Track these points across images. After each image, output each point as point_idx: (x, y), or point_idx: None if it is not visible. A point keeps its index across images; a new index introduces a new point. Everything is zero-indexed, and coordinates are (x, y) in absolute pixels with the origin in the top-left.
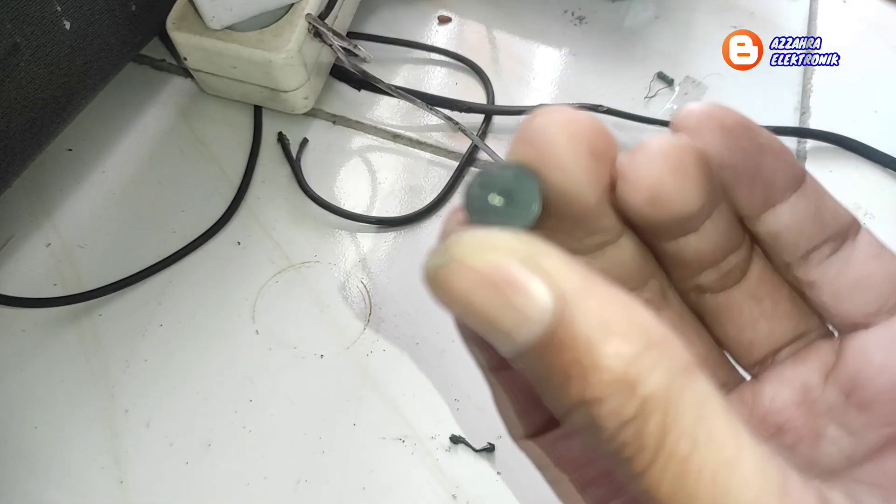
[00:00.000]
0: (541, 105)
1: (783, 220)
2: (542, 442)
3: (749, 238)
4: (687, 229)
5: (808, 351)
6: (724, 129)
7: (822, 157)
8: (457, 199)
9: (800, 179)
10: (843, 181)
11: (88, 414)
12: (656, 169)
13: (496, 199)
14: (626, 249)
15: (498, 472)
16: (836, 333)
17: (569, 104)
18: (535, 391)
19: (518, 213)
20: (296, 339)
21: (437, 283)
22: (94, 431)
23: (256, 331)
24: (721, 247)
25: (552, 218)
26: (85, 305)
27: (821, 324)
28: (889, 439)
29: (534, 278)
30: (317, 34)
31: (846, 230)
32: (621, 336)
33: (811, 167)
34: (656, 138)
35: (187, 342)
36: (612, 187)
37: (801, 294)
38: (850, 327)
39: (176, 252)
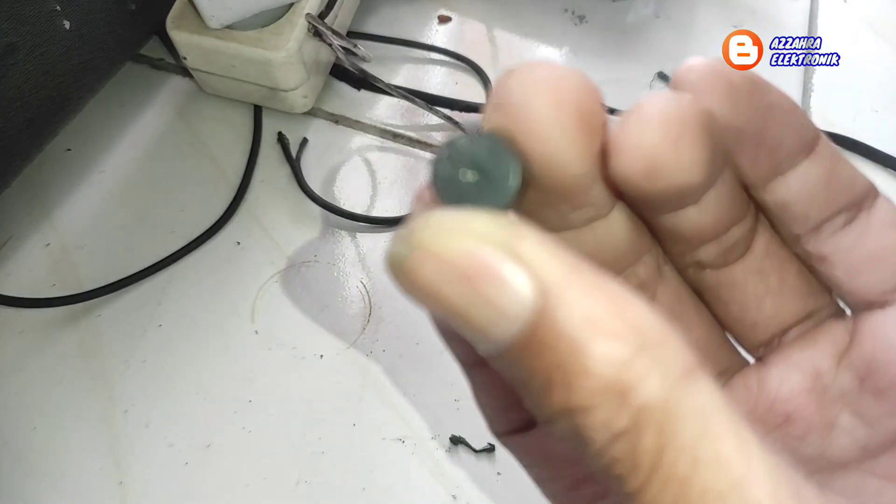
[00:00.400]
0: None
1: (793, 189)
2: (526, 439)
3: (754, 208)
4: (686, 201)
5: (819, 332)
6: (730, 88)
7: None
8: None
9: (812, 143)
10: None
11: (87, 415)
12: (653, 136)
13: (468, 175)
14: (617, 224)
15: (498, 473)
16: (849, 312)
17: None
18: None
19: (493, 190)
20: (295, 340)
21: (401, 272)
22: (93, 432)
23: (256, 331)
24: (723, 219)
25: (533, 192)
26: (84, 306)
27: (832, 302)
28: None
29: (510, 267)
30: (316, 33)
31: (862, 198)
32: (612, 335)
33: None
34: (653, 99)
35: (186, 342)
36: (602, 155)
37: (811, 269)
38: (866, 305)
39: (175, 252)
